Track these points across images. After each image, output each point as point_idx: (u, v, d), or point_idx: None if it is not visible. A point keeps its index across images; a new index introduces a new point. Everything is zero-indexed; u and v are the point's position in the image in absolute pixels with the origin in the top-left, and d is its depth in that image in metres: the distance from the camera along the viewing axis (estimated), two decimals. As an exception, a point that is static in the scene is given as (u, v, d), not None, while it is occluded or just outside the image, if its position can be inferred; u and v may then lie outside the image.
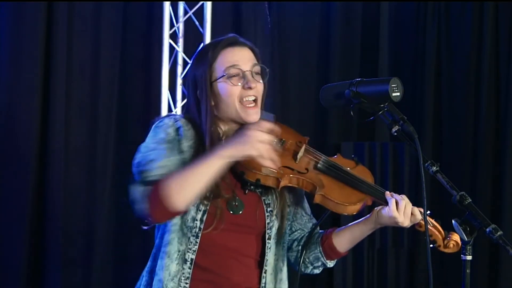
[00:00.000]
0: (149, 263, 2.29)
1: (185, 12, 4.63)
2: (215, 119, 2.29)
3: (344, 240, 2.39)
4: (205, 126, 2.26)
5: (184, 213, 2.20)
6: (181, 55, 4.60)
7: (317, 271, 2.45)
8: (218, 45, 2.32)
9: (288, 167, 2.29)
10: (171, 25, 4.56)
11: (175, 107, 4.55)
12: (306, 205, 2.45)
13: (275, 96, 5.07)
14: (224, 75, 2.27)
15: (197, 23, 4.61)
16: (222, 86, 2.27)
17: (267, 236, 2.31)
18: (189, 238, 2.22)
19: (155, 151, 2.19)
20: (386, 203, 2.33)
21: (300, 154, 2.32)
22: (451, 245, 2.35)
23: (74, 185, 4.50)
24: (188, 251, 2.22)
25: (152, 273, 2.26)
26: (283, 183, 2.26)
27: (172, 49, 4.56)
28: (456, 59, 5.34)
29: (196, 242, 2.22)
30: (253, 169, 2.22)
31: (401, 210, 2.30)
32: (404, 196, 2.33)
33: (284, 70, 5.25)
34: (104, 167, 4.59)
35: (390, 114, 2.20)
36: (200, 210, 2.22)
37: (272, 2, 5.20)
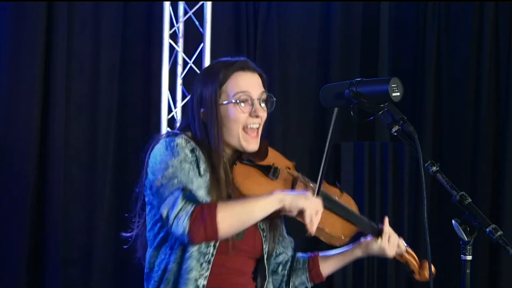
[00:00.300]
0: None
1: (185, 12, 4.63)
2: (223, 143, 2.28)
3: (331, 267, 2.51)
4: (220, 151, 2.25)
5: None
6: (181, 55, 4.60)
7: None
8: (230, 67, 2.30)
9: None
10: (171, 25, 4.56)
11: (175, 107, 4.55)
12: (284, 227, 2.48)
13: (275, 96, 5.06)
14: (233, 100, 2.27)
15: (197, 23, 4.60)
16: (230, 111, 2.27)
17: (265, 260, 2.34)
18: (201, 264, 2.22)
19: (183, 171, 2.17)
20: (372, 233, 2.46)
21: (297, 185, 2.33)
22: (426, 275, 2.50)
23: (74, 185, 4.50)
24: (200, 277, 2.22)
25: None
26: (283, 213, 2.25)
27: (172, 49, 4.56)
28: (456, 59, 5.34)
29: (208, 268, 2.22)
30: None
31: (391, 243, 2.47)
32: (390, 228, 2.48)
33: (284, 70, 5.25)
34: (104, 167, 4.59)
35: (390, 114, 2.20)
36: None
37: (272, 2, 5.21)
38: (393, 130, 2.18)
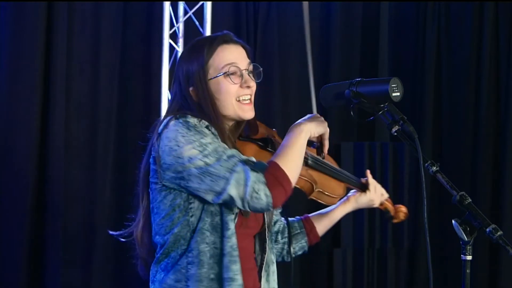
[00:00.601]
0: (213, 267, 2.20)
1: (185, 12, 4.63)
2: (221, 115, 2.28)
3: (325, 227, 2.61)
4: (221, 125, 2.24)
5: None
6: (181, 55, 4.60)
7: (293, 256, 2.58)
8: (214, 42, 2.29)
9: None
10: (171, 25, 4.56)
11: (175, 107, 4.55)
12: None
13: (275, 96, 5.06)
14: (222, 73, 2.26)
15: (197, 23, 4.61)
16: (220, 84, 2.26)
17: (267, 234, 2.34)
18: None
19: (222, 146, 2.16)
20: (359, 188, 2.61)
21: None
22: (401, 216, 2.69)
23: (74, 185, 4.50)
24: None
25: (220, 279, 2.20)
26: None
27: (172, 49, 4.56)
28: (456, 59, 5.34)
29: None
30: None
31: (377, 193, 2.62)
32: (373, 179, 2.63)
33: (284, 70, 5.24)
34: (104, 167, 4.59)
35: (390, 114, 2.19)
36: (233, 213, 2.21)
37: (272, 2, 5.21)
38: (393, 130, 2.18)
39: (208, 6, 4.57)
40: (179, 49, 4.59)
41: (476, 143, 5.25)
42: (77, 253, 4.52)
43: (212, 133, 2.20)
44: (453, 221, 2.12)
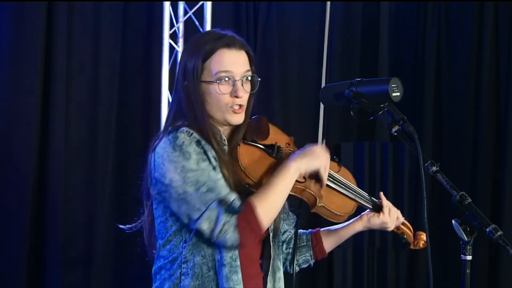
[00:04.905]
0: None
1: (185, 12, 4.63)
2: (208, 117, 2.27)
3: (333, 243, 2.54)
4: (206, 124, 2.24)
5: None
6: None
7: (298, 269, 2.53)
8: (216, 42, 2.26)
9: None
10: (171, 25, 4.57)
11: (175, 107, 4.55)
12: (287, 204, 2.48)
13: (275, 96, 5.06)
14: (214, 80, 2.24)
15: (197, 23, 4.61)
16: (211, 90, 2.25)
17: (271, 239, 2.33)
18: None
19: (203, 173, 2.16)
20: (371, 208, 2.51)
21: None
22: (421, 244, 2.62)
23: (74, 185, 4.50)
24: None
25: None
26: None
27: (172, 49, 4.57)
28: (456, 59, 5.34)
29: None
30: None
31: (392, 217, 2.51)
32: (389, 202, 2.53)
33: (284, 70, 5.25)
34: (104, 167, 4.59)
35: (390, 114, 2.20)
36: None
37: (272, 2, 5.21)
38: (393, 130, 2.18)
39: (208, 6, 4.57)
40: (179, 49, 4.59)
41: (476, 143, 5.25)
42: (77, 253, 4.52)
43: (202, 148, 2.19)
44: (453, 221, 2.12)
